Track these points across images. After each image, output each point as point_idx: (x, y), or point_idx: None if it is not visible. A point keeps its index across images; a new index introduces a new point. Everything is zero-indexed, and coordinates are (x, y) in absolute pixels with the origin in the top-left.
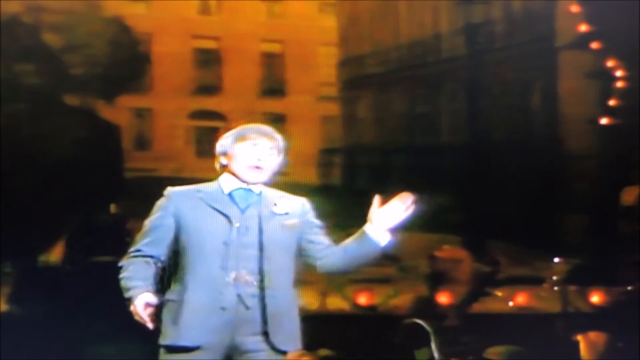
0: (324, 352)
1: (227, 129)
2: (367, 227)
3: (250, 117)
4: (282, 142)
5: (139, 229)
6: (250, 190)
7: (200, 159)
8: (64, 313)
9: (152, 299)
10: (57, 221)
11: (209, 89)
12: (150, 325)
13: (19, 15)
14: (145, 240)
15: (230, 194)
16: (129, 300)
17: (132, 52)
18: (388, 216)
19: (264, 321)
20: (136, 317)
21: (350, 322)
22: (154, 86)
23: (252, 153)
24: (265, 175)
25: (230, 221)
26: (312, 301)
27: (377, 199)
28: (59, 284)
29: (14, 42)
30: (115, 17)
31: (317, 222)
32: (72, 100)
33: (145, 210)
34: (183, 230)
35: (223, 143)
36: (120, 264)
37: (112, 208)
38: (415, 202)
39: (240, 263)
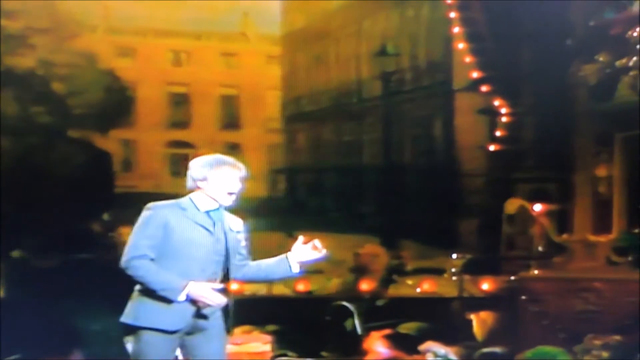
0: (270, 327)
1: (195, 155)
2: (290, 255)
3: (213, 145)
4: (245, 172)
5: (126, 231)
6: (219, 210)
7: (174, 178)
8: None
9: (212, 286)
10: (62, 226)
11: (181, 124)
12: (217, 303)
13: (34, 68)
14: (147, 247)
15: (207, 212)
16: (168, 291)
17: (120, 96)
18: (305, 253)
19: (224, 308)
20: (204, 299)
21: (291, 304)
22: (138, 122)
23: (229, 181)
24: (234, 199)
25: (210, 234)
26: (260, 287)
27: (301, 238)
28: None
29: (29, 90)
30: (107, 69)
31: (245, 238)
32: (74, 133)
33: (131, 218)
34: (171, 238)
35: (202, 170)
36: (133, 264)
37: (105, 216)
38: (323, 248)
39: (211, 266)
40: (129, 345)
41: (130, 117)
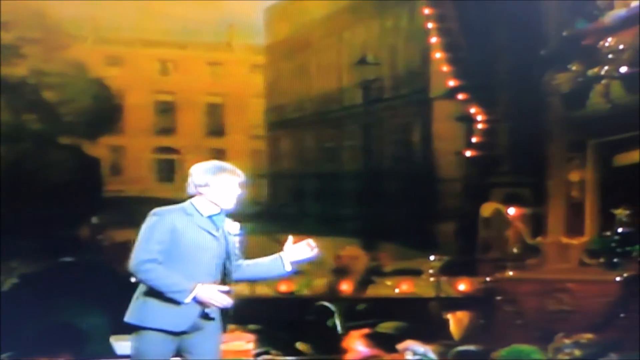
0: (252, 326)
1: (182, 161)
2: (283, 254)
3: (199, 151)
4: (243, 177)
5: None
6: (220, 214)
7: (160, 183)
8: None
9: (219, 288)
10: (53, 229)
11: (167, 130)
12: (224, 305)
13: (25, 77)
14: (157, 251)
15: (210, 217)
16: (177, 293)
17: (109, 104)
18: (297, 253)
19: (224, 308)
20: (212, 300)
21: (274, 305)
22: (126, 129)
23: (229, 187)
24: (234, 203)
25: (215, 238)
26: (244, 288)
27: (290, 238)
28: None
29: (21, 98)
30: (97, 78)
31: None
32: (64, 140)
33: (119, 220)
34: (179, 243)
35: (204, 176)
36: (144, 268)
37: (94, 219)
38: (317, 247)
39: (215, 269)
40: (117, 344)
41: (118, 124)
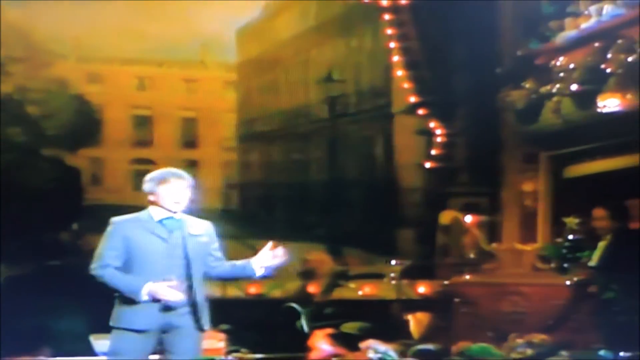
0: (223, 326)
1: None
2: (253, 260)
3: (173, 162)
4: (191, 181)
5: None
6: (174, 217)
7: (137, 192)
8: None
9: (168, 284)
10: (35, 235)
11: (144, 143)
12: (173, 299)
13: (10, 93)
14: (111, 257)
15: (160, 221)
16: (132, 293)
17: (89, 118)
18: (269, 259)
19: (193, 307)
20: (162, 296)
21: (245, 306)
22: (105, 141)
23: (174, 192)
24: (183, 206)
25: (164, 241)
26: (215, 290)
27: (269, 244)
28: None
29: (7, 112)
30: (78, 94)
31: (216, 239)
32: (47, 152)
33: (97, 227)
34: (132, 249)
35: (150, 185)
36: (98, 272)
37: (74, 226)
38: (287, 255)
39: (172, 270)
40: (96, 342)
41: (98, 137)
